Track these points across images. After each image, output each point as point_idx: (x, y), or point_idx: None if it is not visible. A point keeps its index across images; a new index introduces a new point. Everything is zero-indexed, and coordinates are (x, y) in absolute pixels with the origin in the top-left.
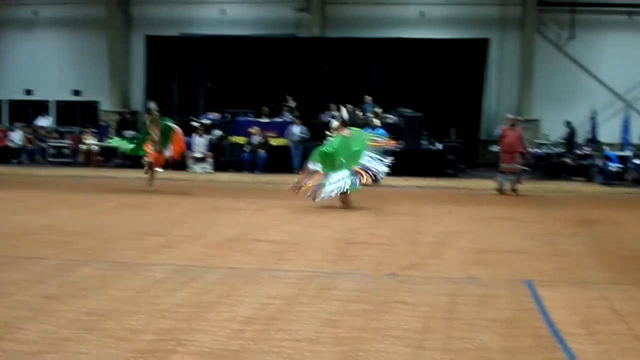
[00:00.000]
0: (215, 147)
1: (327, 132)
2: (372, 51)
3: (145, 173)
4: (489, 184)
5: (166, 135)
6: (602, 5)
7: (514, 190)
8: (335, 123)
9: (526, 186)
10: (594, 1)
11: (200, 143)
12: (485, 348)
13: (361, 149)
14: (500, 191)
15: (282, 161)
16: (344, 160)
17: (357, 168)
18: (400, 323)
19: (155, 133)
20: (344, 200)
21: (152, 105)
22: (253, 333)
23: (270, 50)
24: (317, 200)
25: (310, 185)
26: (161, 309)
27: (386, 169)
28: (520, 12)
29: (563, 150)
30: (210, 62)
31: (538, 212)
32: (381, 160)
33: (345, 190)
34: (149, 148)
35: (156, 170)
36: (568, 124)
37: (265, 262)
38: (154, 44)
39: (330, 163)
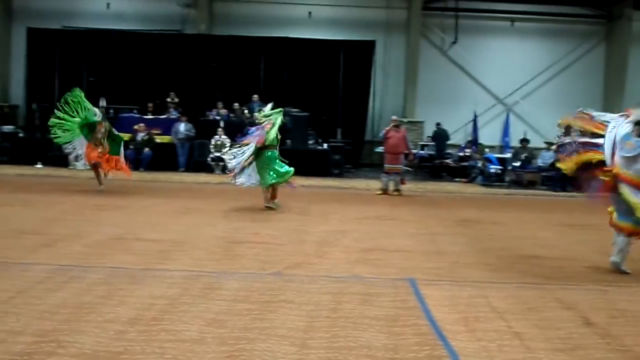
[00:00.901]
0: None
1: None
2: (260, 50)
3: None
4: (374, 184)
5: (116, 143)
6: (486, 12)
7: (397, 190)
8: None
9: (409, 186)
10: (478, 7)
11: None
12: (368, 346)
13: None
14: (385, 191)
15: (167, 159)
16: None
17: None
18: (285, 322)
19: (100, 132)
20: (270, 195)
21: (103, 102)
22: (136, 334)
23: (155, 46)
24: (236, 182)
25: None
26: (41, 309)
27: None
28: (405, 15)
29: (448, 152)
30: (93, 57)
31: (421, 212)
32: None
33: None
34: (91, 146)
35: (102, 171)
36: (437, 125)
37: (149, 262)
38: (35, 36)
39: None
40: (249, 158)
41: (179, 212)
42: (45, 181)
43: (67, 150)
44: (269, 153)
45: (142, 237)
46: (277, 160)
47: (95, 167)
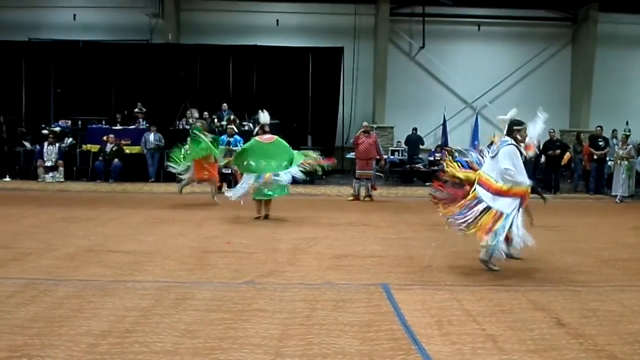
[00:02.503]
0: (66, 156)
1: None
2: (228, 58)
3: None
4: (345, 191)
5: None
6: (452, 17)
7: (369, 196)
8: (257, 129)
9: (380, 192)
10: (445, 12)
11: (51, 151)
12: (343, 353)
13: (282, 161)
14: (356, 197)
15: (137, 169)
16: (252, 163)
17: (267, 175)
18: (259, 331)
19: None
20: (264, 208)
21: (195, 112)
22: (109, 346)
23: (123, 56)
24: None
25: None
26: (12, 324)
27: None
28: (373, 22)
29: (419, 157)
30: (61, 68)
31: (392, 217)
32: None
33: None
34: (204, 163)
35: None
36: (413, 130)
37: (120, 274)
38: (1, 49)
39: (239, 162)
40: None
41: (150, 223)
42: (13, 194)
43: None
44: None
45: (113, 249)
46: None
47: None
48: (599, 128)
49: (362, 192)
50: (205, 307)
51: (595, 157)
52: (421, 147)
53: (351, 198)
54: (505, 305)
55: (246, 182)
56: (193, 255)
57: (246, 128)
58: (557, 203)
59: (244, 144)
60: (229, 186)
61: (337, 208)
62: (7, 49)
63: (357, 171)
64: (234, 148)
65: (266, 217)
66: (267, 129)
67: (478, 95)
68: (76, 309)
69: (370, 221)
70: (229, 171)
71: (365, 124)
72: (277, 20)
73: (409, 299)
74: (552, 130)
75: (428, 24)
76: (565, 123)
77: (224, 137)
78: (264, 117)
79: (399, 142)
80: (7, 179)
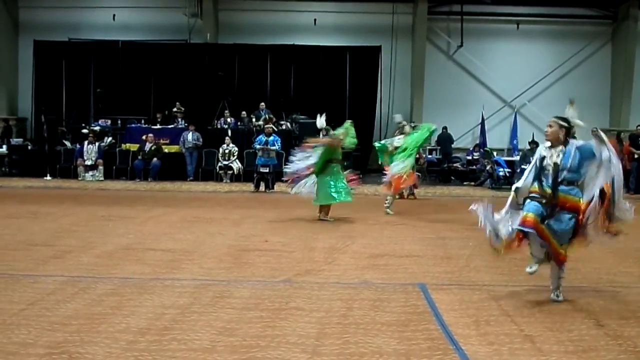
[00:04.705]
0: (106, 155)
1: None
2: (266, 57)
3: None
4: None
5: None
6: (491, 15)
7: (412, 194)
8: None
9: (417, 191)
10: (483, 10)
11: (91, 150)
12: (380, 352)
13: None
14: (401, 195)
15: (175, 168)
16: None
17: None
18: (296, 329)
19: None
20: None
21: (399, 118)
22: (147, 344)
23: (162, 56)
24: (292, 190)
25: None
26: (52, 321)
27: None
28: (411, 20)
29: (456, 156)
30: (101, 68)
31: (429, 216)
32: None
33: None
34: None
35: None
36: (443, 129)
37: (159, 272)
38: (42, 49)
39: (318, 164)
40: (311, 167)
41: (188, 221)
42: (54, 193)
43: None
44: (335, 168)
45: (152, 247)
46: (342, 178)
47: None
48: (639, 127)
49: (405, 190)
50: (242, 306)
51: (635, 156)
52: (452, 145)
53: (397, 196)
54: (544, 306)
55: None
56: (231, 254)
57: (284, 127)
58: None
59: (280, 143)
60: (267, 187)
61: (374, 207)
62: (48, 49)
63: None
64: (271, 148)
65: (324, 219)
66: (324, 132)
67: (517, 94)
68: (115, 306)
69: (407, 220)
70: (267, 170)
71: (400, 121)
72: (315, 20)
73: (447, 298)
74: (595, 129)
75: (466, 22)
76: (605, 122)
77: (261, 136)
78: (321, 121)
79: (436, 141)
80: (48, 177)
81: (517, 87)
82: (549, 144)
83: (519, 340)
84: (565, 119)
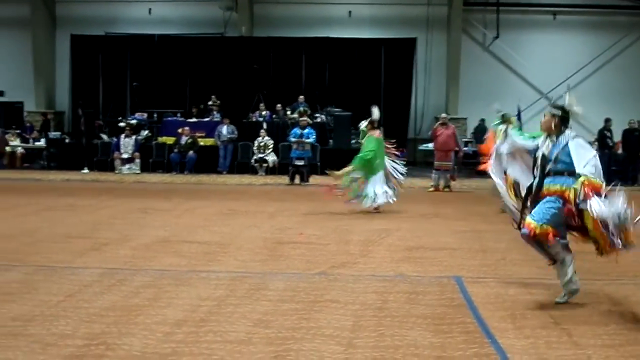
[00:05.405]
0: (143, 148)
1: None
2: (301, 50)
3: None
4: (417, 182)
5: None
6: (527, 6)
7: (448, 187)
8: (364, 123)
9: (453, 184)
10: (519, 1)
11: (127, 144)
12: (415, 345)
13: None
14: (436, 188)
15: (211, 161)
16: (379, 161)
17: (387, 170)
18: (331, 322)
19: None
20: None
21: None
22: (183, 335)
23: (198, 50)
24: (360, 206)
25: (350, 193)
26: (90, 313)
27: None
28: (446, 12)
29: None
30: (137, 62)
31: (465, 209)
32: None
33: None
34: None
35: None
36: (481, 121)
37: (195, 264)
38: (79, 43)
39: (370, 167)
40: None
41: (224, 214)
42: (91, 186)
43: None
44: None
45: (188, 240)
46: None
47: None
48: (632, 122)
49: (442, 183)
50: (278, 298)
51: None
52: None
53: (431, 189)
54: (581, 299)
55: (381, 184)
56: (266, 246)
57: (318, 120)
58: (635, 195)
59: (315, 136)
60: (302, 180)
61: (409, 200)
62: (85, 43)
63: (435, 162)
64: (306, 140)
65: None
66: (376, 125)
67: (554, 86)
68: (152, 298)
69: (443, 213)
70: (302, 163)
71: (443, 115)
72: (350, 12)
73: (482, 292)
74: (632, 120)
75: (502, 13)
76: None
77: (296, 129)
78: (376, 113)
79: (472, 133)
80: (86, 170)
81: (554, 79)
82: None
83: (555, 333)
84: (560, 107)
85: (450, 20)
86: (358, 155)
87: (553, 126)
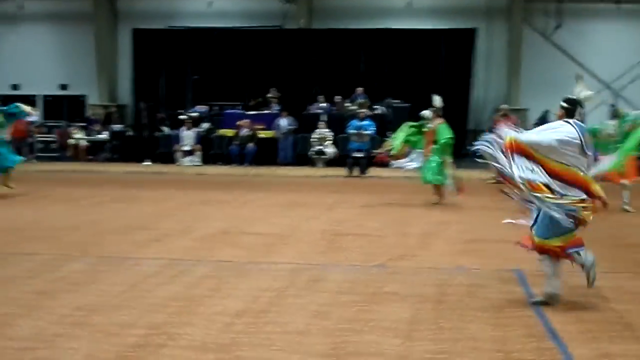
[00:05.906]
0: (203, 140)
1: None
2: (360, 42)
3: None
4: (476, 174)
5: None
6: None
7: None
8: (428, 112)
9: None
10: None
11: (188, 136)
12: (475, 338)
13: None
14: (497, 180)
15: (270, 153)
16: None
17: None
18: (390, 314)
19: None
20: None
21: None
22: (243, 326)
23: (257, 42)
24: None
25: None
26: (152, 303)
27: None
28: (506, 1)
29: None
30: (197, 55)
31: None
32: None
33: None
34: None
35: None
36: (546, 112)
37: (255, 255)
38: (140, 37)
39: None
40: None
41: (283, 206)
42: (153, 178)
43: None
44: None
45: (248, 231)
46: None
47: None
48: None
49: None
50: (336, 290)
51: None
52: None
53: (493, 181)
54: None
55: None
56: (325, 238)
57: (378, 112)
58: None
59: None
60: (361, 172)
61: (469, 192)
62: (147, 37)
63: None
64: (365, 132)
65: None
66: (440, 113)
67: (617, 76)
68: (213, 288)
69: (502, 205)
70: (360, 154)
71: (503, 106)
72: (409, 2)
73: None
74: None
75: (564, 2)
76: None
77: (354, 121)
78: (439, 101)
79: (533, 124)
80: (148, 162)
81: (618, 68)
82: None
83: (618, 328)
84: (568, 99)
85: (511, 9)
86: (441, 142)
87: (558, 118)
